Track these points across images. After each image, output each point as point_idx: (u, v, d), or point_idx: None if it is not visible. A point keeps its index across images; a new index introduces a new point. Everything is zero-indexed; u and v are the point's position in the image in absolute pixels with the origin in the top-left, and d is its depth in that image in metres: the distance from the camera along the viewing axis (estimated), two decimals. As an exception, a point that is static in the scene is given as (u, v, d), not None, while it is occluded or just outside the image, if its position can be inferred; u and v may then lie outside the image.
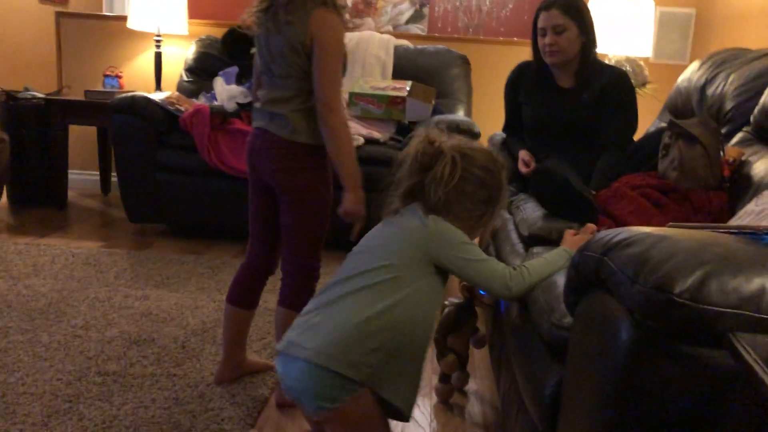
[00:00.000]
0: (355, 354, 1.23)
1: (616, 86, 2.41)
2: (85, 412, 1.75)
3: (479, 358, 2.27)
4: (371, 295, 1.28)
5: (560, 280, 1.30)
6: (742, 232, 0.97)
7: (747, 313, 0.81)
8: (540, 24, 2.41)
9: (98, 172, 4.48)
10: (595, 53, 2.46)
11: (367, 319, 1.25)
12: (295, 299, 1.79)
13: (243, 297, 1.92)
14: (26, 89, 4.06)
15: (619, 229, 1.00)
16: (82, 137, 4.43)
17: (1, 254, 2.99)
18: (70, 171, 4.13)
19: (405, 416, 1.32)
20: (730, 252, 0.87)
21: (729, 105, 2.25)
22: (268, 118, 1.75)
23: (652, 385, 0.86)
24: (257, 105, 1.81)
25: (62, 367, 1.98)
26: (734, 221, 1.44)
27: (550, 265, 1.45)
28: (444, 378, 1.97)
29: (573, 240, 1.51)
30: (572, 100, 2.44)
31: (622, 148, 2.32)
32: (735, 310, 0.81)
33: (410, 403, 1.33)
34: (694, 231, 0.97)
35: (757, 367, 0.68)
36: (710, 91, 2.39)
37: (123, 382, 1.92)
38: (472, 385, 2.08)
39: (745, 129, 2.13)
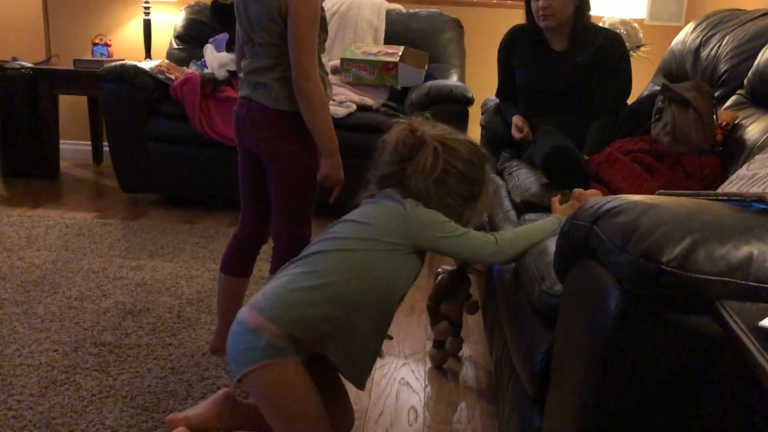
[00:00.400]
0: (304, 315, 1.24)
1: (610, 49, 2.40)
2: (82, 382, 1.77)
3: (473, 323, 2.29)
4: (336, 263, 1.30)
5: (551, 247, 1.30)
6: (731, 199, 0.97)
7: (735, 280, 0.82)
8: None
9: (90, 142, 4.44)
10: (589, 16, 2.43)
11: (322, 285, 1.26)
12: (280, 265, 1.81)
13: (236, 266, 1.92)
14: (14, 59, 4.00)
15: (609, 198, 0.99)
16: (72, 107, 4.38)
17: (-6, 226, 2.98)
18: (61, 141, 4.10)
19: (357, 386, 1.34)
20: (718, 220, 0.87)
21: (723, 67, 2.23)
22: (252, 87, 1.75)
23: (640, 352, 0.87)
24: (241, 75, 1.81)
25: (58, 338, 1.99)
26: (726, 186, 1.44)
27: (540, 229, 1.45)
28: (438, 344, 1.99)
29: (562, 208, 1.51)
30: (566, 63, 2.42)
31: (616, 112, 2.31)
32: (723, 278, 0.82)
33: (362, 375, 1.33)
34: (683, 199, 0.97)
35: (742, 336, 0.69)
36: (704, 53, 2.37)
37: (119, 353, 1.93)
38: (466, 350, 2.10)
39: (739, 92, 2.12)
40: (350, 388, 1.83)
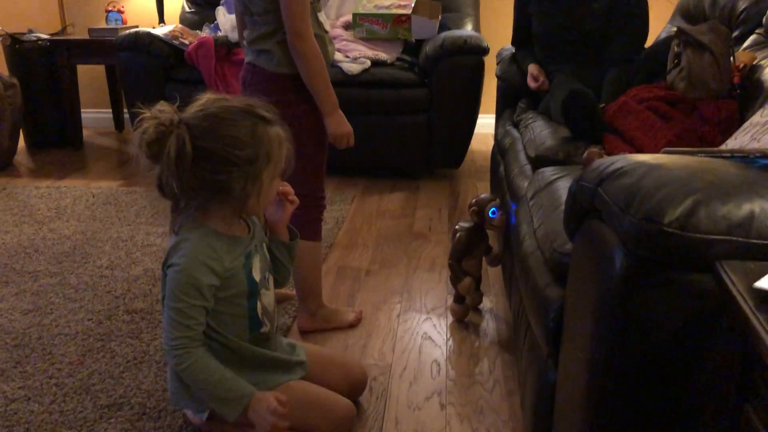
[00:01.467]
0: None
1: None
2: (117, 349, 1.85)
3: (494, 276, 2.32)
4: None
5: (563, 205, 1.32)
6: (734, 156, 0.97)
7: (736, 239, 0.83)
8: None
9: (110, 110, 4.49)
10: None
11: None
12: (304, 229, 1.85)
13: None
14: (30, 31, 4.03)
15: (615, 158, 1.00)
16: (91, 75, 4.42)
17: (24, 199, 3.07)
18: (82, 110, 4.15)
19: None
20: (720, 179, 0.88)
21: (742, 5, 2.18)
22: (255, 54, 1.77)
23: (645, 311, 0.89)
24: (244, 43, 1.83)
25: (92, 307, 2.07)
26: (739, 133, 1.43)
27: (220, 385, 1.27)
28: (459, 298, 2.03)
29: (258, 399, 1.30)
30: (583, 10, 2.38)
31: (632, 61, 2.27)
32: (724, 237, 0.83)
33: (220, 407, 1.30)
34: (687, 158, 0.97)
35: (738, 297, 0.71)
36: (722, -8, 2.31)
37: (150, 319, 2.01)
38: (486, 303, 2.14)
39: (757, 31, 2.07)
40: (373, 346, 1.88)
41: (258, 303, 1.35)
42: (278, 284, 1.49)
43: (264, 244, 1.42)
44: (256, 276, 1.34)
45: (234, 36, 3.46)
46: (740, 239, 0.83)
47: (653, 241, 0.85)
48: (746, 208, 0.84)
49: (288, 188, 1.42)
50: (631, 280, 0.89)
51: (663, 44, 2.18)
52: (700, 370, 0.85)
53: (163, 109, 1.21)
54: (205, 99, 1.26)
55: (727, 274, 0.76)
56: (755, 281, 0.73)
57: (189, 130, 1.19)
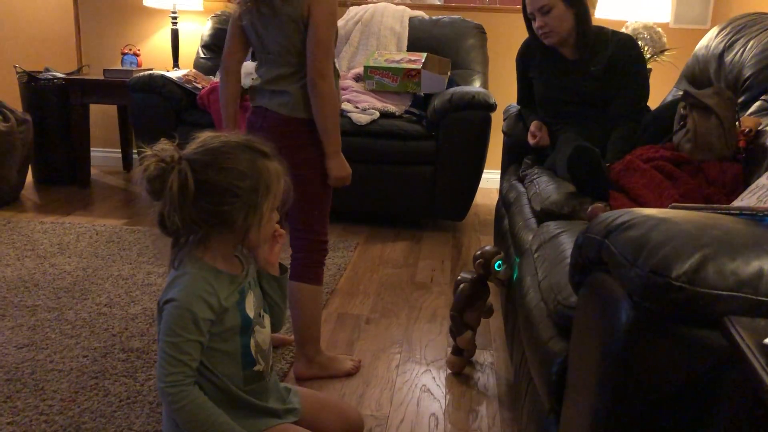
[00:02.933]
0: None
1: (624, 54, 2.35)
2: (111, 387, 1.82)
3: (495, 330, 2.30)
4: None
5: (568, 258, 1.31)
6: (742, 213, 0.97)
7: (745, 295, 0.82)
8: (528, 9, 2.37)
9: (120, 150, 4.54)
10: (591, 23, 2.37)
11: None
12: (306, 273, 1.85)
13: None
14: (47, 69, 4.11)
15: (622, 211, 1.00)
16: (102, 115, 4.49)
17: (27, 233, 3.07)
18: (92, 149, 4.20)
19: None
20: (728, 235, 0.87)
21: (747, 72, 2.21)
22: (268, 97, 1.78)
23: (650, 366, 0.88)
24: (256, 84, 1.84)
25: (88, 344, 2.05)
26: (745, 195, 1.43)
27: (213, 429, 1.25)
28: (457, 350, 2.01)
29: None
30: (580, 72, 2.40)
31: (636, 120, 2.29)
32: (733, 293, 0.82)
33: None
34: (695, 213, 0.97)
35: (748, 352, 0.70)
36: (728, 58, 2.35)
37: (146, 359, 1.98)
38: (487, 358, 2.11)
39: (763, 98, 2.09)
40: (370, 396, 1.85)
41: (252, 340, 1.34)
42: (274, 327, 1.47)
43: (258, 276, 1.42)
44: (250, 313, 1.33)
45: (247, 82, 3.51)
46: (748, 296, 0.82)
47: (660, 294, 0.84)
48: (755, 265, 0.83)
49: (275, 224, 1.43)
50: (637, 332, 0.88)
51: (669, 106, 2.21)
52: (705, 426, 0.83)
53: (164, 147, 1.23)
54: (204, 136, 1.28)
55: (737, 330, 0.75)
56: (764, 338, 0.72)
57: (190, 165, 1.21)
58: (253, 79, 3.56)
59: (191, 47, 4.24)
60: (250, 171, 1.24)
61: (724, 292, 0.82)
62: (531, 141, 2.49)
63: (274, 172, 1.28)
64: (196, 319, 1.23)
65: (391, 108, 3.42)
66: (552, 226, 1.72)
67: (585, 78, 2.38)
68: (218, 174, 1.22)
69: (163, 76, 3.46)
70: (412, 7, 4.07)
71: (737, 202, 1.40)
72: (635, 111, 2.34)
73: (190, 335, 1.23)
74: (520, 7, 2.45)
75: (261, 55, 1.80)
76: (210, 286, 1.26)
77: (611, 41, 2.38)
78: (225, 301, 1.27)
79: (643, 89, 2.40)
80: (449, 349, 2.09)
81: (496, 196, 3.21)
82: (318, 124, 1.74)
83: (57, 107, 3.98)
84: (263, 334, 1.38)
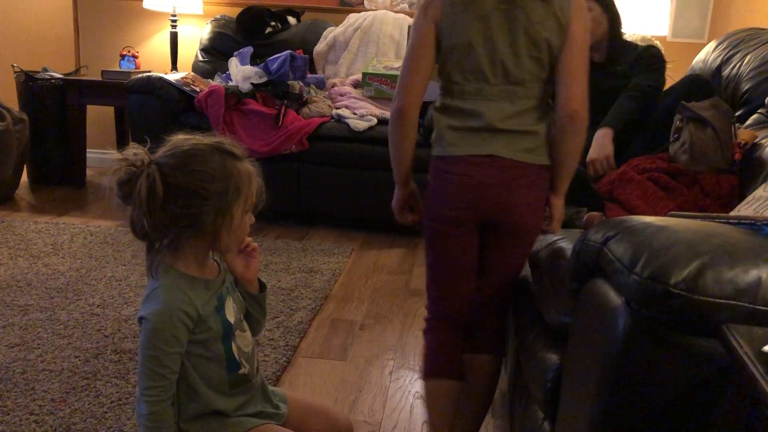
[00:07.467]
0: None
1: (646, 53, 2.36)
2: (102, 388, 1.80)
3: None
4: None
5: (566, 265, 1.31)
6: (741, 222, 0.97)
7: (742, 304, 0.82)
8: None
9: (116, 151, 4.51)
10: (621, 27, 2.39)
11: None
12: (504, 345, 1.60)
13: (451, 365, 1.53)
14: (45, 70, 4.10)
15: (621, 218, 1.00)
16: (99, 116, 4.47)
17: (21, 233, 3.05)
18: (88, 150, 4.18)
19: None
20: (727, 243, 0.88)
21: (744, 86, 2.22)
22: (502, 142, 1.39)
23: (647, 373, 0.87)
24: (471, 124, 1.42)
25: (80, 345, 2.04)
26: (742, 206, 1.44)
27: None
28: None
29: None
30: (603, 72, 2.38)
31: (644, 93, 2.25)
32: (730, 301, 0.82)
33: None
34: (693, 221, 0.97)
35: (747, 360, 0.69)
36: (725, 72, 2.36)
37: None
38: (481, 366, 2.10)
39: (759, 111, 2.11)
40: (363, 402, 1.84)
41: (233, 344, 1.34)
42: (252, 333, 1.45)
43: (237, 289, 1.40)
44: (231, 318, 1.33)
45: (244, 86, 3.51)
46: (746, 304, 0.82)
47: (658, 301, 0.84)
48: (753, 273, 0.83)
49: (250, 240, 1.40)
50: (634, 339, 0.88)
51: (668, 111, 2.19)
52: (704, 436, 0.83)
53: (135, 151, 1.22)
54: (175, 139, 1.28)
55: (735, 338, 0.75)
56: (762, 346, 0.72)
57: (159, 169, 1.20)
58: (252, 83, 3.57)
59: (190, 50, 4.24)
60: (220, 173, 1.23)
61: (723, 301, 0.82)
62: None
63: (245, 174, 1.27)
64: (175, 332, 1.22)
65: (389, 114, 3.42)
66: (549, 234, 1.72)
67: (607, 76, 2.35)
68: (186, 177, 1.21)
69: (161, 78, 3.46)
70: (411, 15, 4.08)
71: (734, 214, 1.40)
72: (646, 87, 2.28)
73: (170, 348, 1.22)
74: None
75: (482, 84, 1.44)
76: (185, 294, 1.25)
77: (639, 48, 2.39)
78: (203, 309, 1.26)
79: (657, 75, 2.35)
80: (443, 357, 2.08)
81: (492, 205, 3.21)
82: (566, 162, 1.42)
83: (54, 107, 3.97)
84: (244, 338, 1.37)
